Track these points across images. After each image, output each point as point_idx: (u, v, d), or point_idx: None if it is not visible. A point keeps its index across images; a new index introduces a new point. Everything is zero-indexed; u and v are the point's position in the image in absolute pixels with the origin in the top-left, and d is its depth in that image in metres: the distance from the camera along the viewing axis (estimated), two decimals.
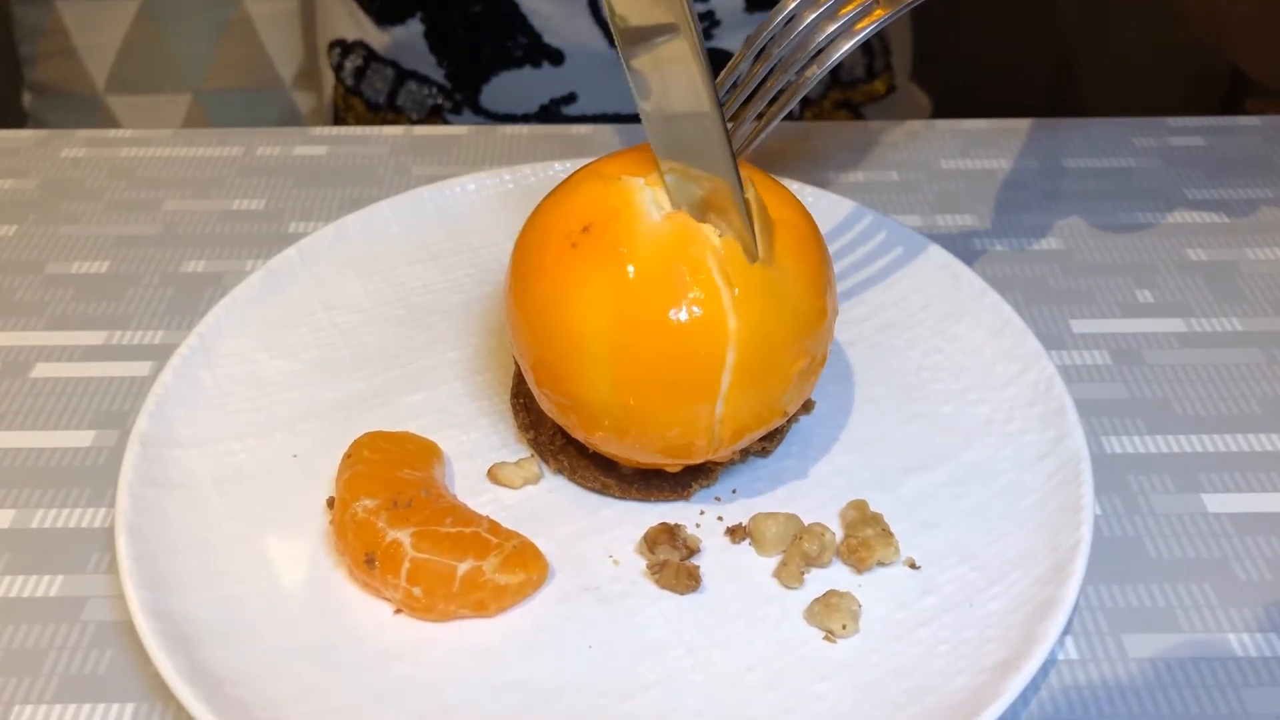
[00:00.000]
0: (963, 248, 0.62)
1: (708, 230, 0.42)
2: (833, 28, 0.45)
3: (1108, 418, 0.53)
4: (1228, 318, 0.58)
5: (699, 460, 0.45)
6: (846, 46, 0.45)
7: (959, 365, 0.53)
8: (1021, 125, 0.73)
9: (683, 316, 0.41)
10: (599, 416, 0.43)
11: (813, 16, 0.45)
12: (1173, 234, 0.64)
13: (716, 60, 0.78)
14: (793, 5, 0.45)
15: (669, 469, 0.46)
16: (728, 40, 0.79)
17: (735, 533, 0.46)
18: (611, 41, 0.77)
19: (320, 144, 0.71)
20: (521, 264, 0.45)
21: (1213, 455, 0.51)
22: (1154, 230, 0.64)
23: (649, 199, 0.42)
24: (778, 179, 0.47)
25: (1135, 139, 0.71)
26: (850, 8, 0.45)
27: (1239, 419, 0.53)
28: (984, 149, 0.70)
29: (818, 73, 0.45)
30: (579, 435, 0.45)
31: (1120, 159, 0.69)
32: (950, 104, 0.94)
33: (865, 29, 0.45)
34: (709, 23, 0.78)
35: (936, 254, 0.57)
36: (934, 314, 0.56)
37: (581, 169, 0.46)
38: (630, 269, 0.41)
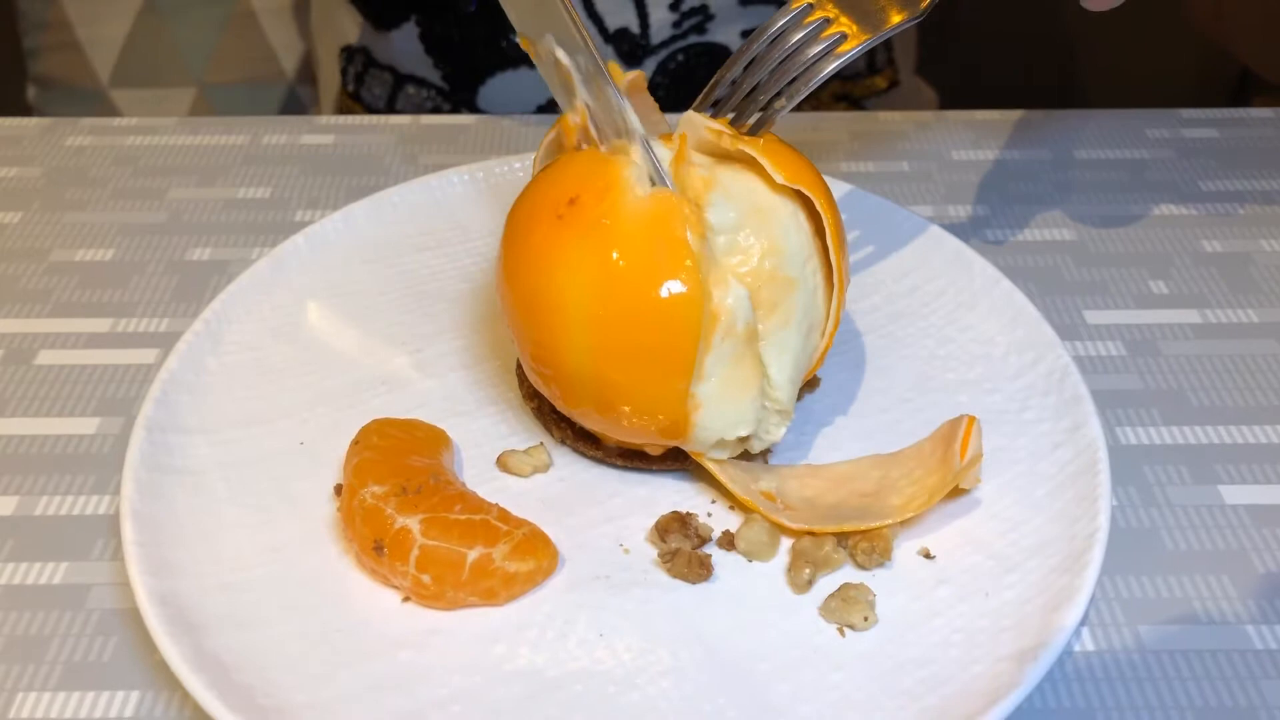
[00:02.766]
0: (975, 238, 0.62)
1: (690, 208, 0.42)
2: (815, 50, 0.44)
3: (1123, 409, 0.52)
4: (1243, 309, 0.58)
5: (678, 441, 0.44)
6: (818, 76, 0.44)
7: (972, 354, 0.53)
8: (1033, 116, 0.72)
9: (661, 292, 0.41)
10: (579, 390, 0.43)
11: (798, 38, 0.44)
12: (1187, 225, 0.63)
13: (712, 54, 0.77)
14: (779, 24, 0.45)
15: (650, 450, 0.46)
16: (722, 34, 0.77)
17: (722, 540, 0.45)
18: (606, 38, 0.76)
19: (326, 133, 0.70)
20: (511, 235, 0.45)
21: (1229, 446, 0.50)
22: (1168, 221, 0.64)
23: (635, 175, 0.42)
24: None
25: (1148, 130, 0.70)
26: (831, 31, 0.44)
27: (1255, 410, 0.52)
28: (996, 140, 0.70)
29: (786, 105, 0.44)
30: (562, 408, 0.45)
31: (1133, 150, 0.69)
32: (957, 99, 0.93)
33: (844, 55, 0.44)
34: (702, 16, 0.76)
35: (949, 243, 0.57)
36: (947, 303, 0.55)
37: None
38: (612, 242, 0.41)
